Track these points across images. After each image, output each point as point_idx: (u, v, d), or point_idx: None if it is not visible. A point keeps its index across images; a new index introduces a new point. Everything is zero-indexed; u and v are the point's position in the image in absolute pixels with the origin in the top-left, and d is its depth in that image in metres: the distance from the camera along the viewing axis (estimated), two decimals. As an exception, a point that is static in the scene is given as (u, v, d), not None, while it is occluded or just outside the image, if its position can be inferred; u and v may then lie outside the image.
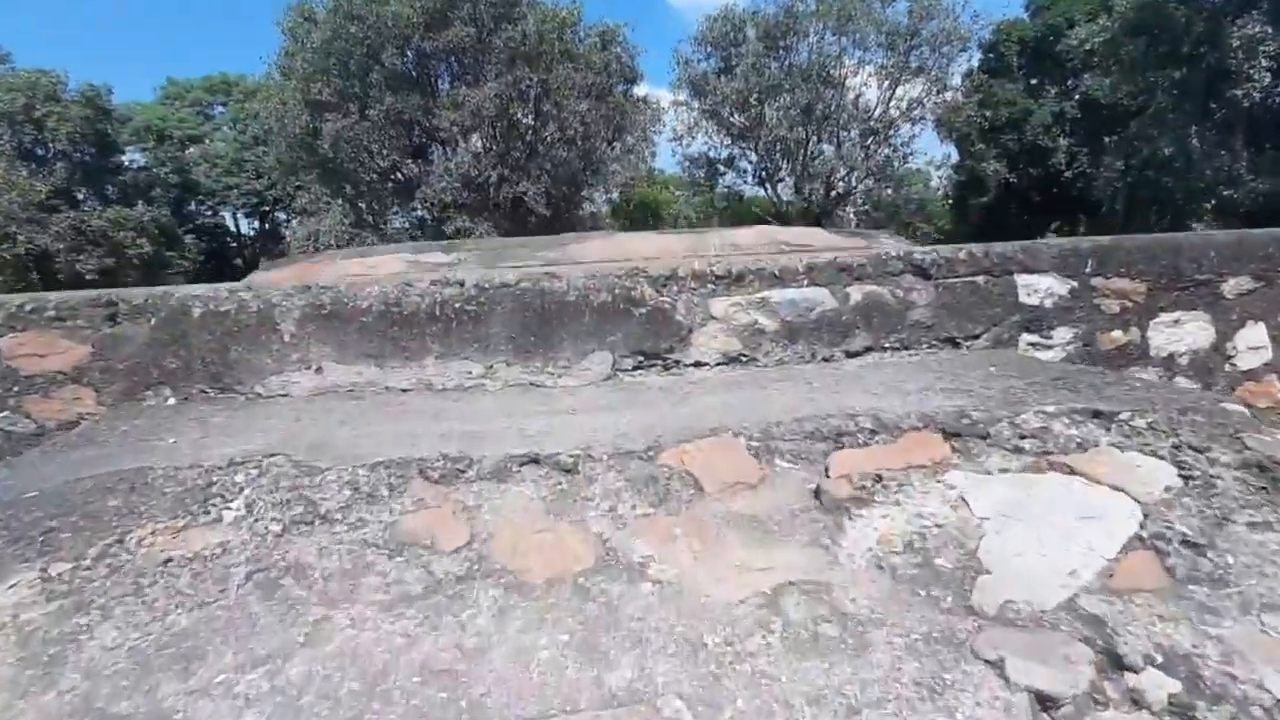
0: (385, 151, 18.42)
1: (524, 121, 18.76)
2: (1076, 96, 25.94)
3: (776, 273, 2.92)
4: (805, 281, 2.92)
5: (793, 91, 20.18)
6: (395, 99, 17.19)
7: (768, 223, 23.35)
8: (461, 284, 2.77)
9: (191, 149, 26.43)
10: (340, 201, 18.63)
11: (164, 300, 2.66)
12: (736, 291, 2.90)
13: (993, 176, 21.68)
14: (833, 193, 20.45)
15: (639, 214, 36.08)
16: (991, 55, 25.42)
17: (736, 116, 21.19)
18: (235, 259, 31.35)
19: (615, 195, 21.61)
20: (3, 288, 18.36)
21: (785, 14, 20.54)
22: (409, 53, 18.19)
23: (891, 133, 20.70)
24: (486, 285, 2.77)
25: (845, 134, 21.20)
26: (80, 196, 20.70)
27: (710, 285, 2.88)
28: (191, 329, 2.63)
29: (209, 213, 28.17)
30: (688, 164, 24.26)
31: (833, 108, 20.33)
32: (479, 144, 18.29)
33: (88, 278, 19.46)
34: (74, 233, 18.89)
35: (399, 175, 19.84)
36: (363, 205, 19.36)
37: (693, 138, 22.52)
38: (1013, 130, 24.66)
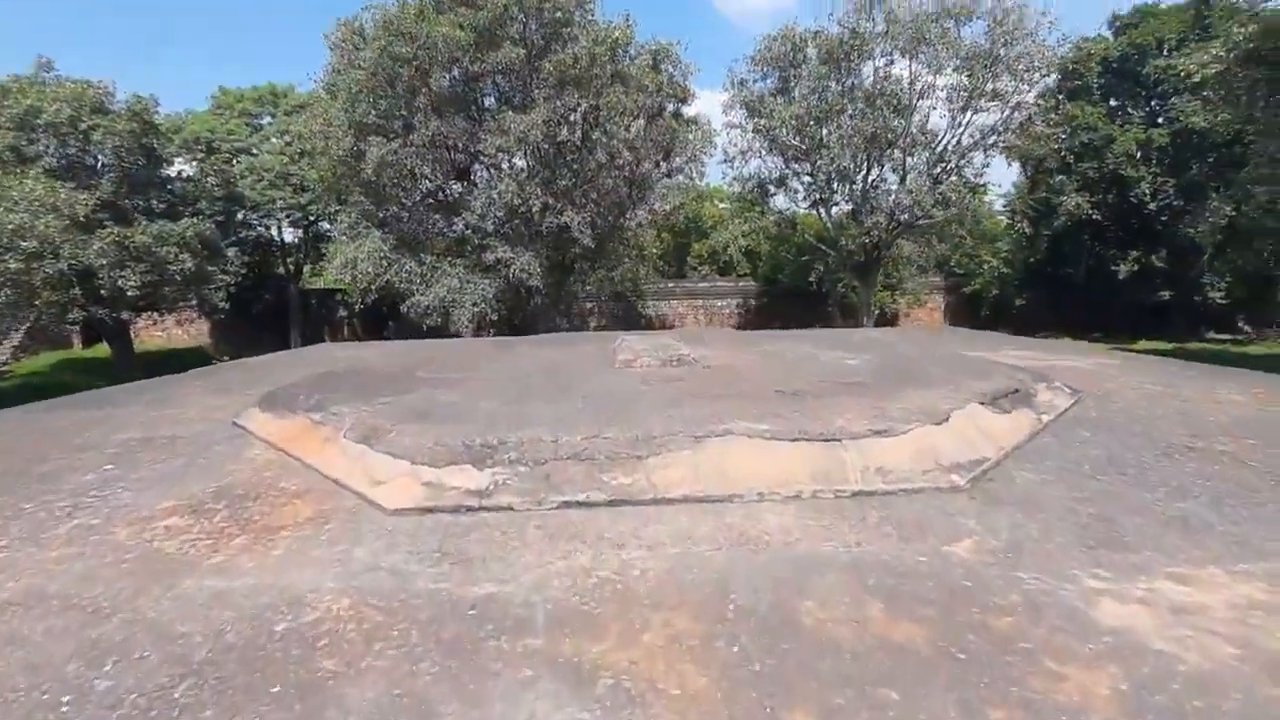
0: (429, 174, 17.82)
1: (571, 146, 17.96)
2: (1160, 122, 24.05)
3: None
4: None
5: (856, 116, 18.93)
6: (441, 123, 16.55)
7: (823, 250, 22.17)
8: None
9: (238, 161, 26.37)
10: (379, 228, 18.06)
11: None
12: None
13: (1073, 210, 20.04)
14: (895, 225, 19.12)
15: (682, 230, 35.07)
16: (1070, 76, 23.68)
17: (793, 139, 20.03)
18: (278, 268, 31.40)
19: (659, 218, 20.63)
20: (46, 304, 18.31)
21: (851, 35, 19.31)
22: (457, 74, 17.56)
23: (963, 162, 19.27)
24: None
25: (910, 160, 19.84)
26: (127, 210, 20.52)
27: None
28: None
29: (253, 225, 28.11)
30: (736, 184, 23.21)
31: (898, 134, 18.99)
32: (524, 169, 17.55)
33: (129, 294, 19.34)
34: (117, 248, 18.69)
35: (442, 196, 19.26)
36: (404, 228, 18.79)
37: (745, 161, 21.41)
38: (1093, 158, 22.91)
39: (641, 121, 18.71)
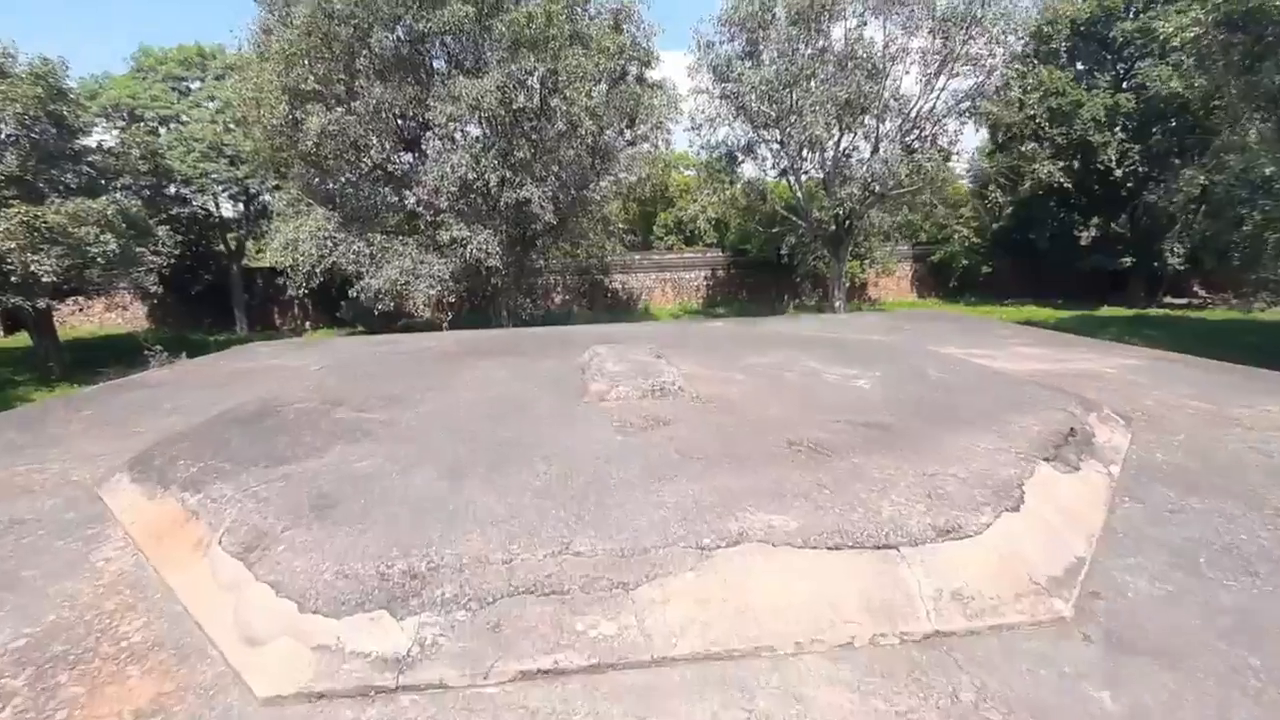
0: (375, 144, 16.44)
1: (529, 113, 16.76)
2: (1125, 87, 23.83)
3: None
4: None
5: (828, 81, 18.12)
6: (385, 89, 15.17)
7: (793, 220, 21.40)
8: None
9: (166, 131, 24.24)
10: (323, 205, 16.67)
11: None
12: None
13: (1044, 177, 19.72)
14: (868, 195, 18.50)
15: (648, 199, 33.99)
16: (1040, 39, 23.16)
17: (762, 105, 19.12)
18: (218, 246, 29.39)
19: (625, 190, 19.62)
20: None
21: (814, -10, 18.36)
22: (401, 33, 16.10)
23: (937, 129, 18.69)
24: None
25: (883, 128, 19.19)
26: (37, 187, 18.58)
27: None
28: None
29: (187, 200, 26.00)
30: (704, 152, 22.28)
31: (871, 99, 18.27)
32: (479, 140, 16.31)
33: (43, 279, 17.61)
34: (26, 230, 16.89)
35: (390, 168, 17.90)
36: (350, 204, 17.43)
37: (714, 129, 20.46)
38: (1061, 123, 22.59)
39: (603, 87, 17.58)
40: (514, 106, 16.13)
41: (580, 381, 4.23)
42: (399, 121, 16.67)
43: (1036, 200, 25.96)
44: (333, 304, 28.35)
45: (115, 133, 23.95)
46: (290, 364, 6.69)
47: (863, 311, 27.53)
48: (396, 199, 17.83)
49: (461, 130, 16.82)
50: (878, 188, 17.82)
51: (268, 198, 26.21)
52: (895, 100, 19.18)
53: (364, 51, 14.97)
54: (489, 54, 16.25)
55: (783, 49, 18.77)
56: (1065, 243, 27.37)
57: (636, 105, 18.62)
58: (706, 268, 31.10)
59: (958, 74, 18.02)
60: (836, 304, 22.29)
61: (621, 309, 29.95)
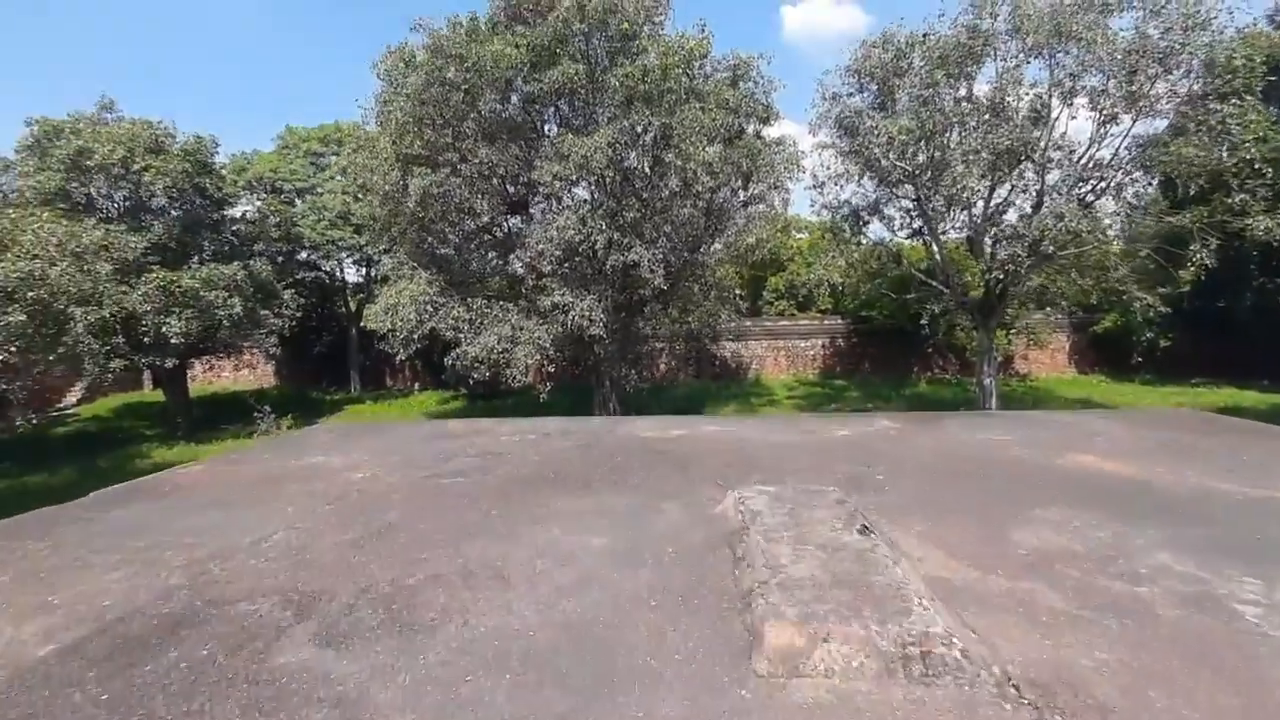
0: (482, 207, 15.88)
1: (640, 173, 15.68)
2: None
3: None
4: None
5: (979, 129, 15.81)
6: (491, 150, 14.61)
7: (931, 285, 18.59)
8: None
9: (301, 201, 25.69)
10: (427, 268, 16.20)
11: None
12: None
13: (1262, 234, 15.97)
14: (1032, 256, 15.63)
15: (759, 263, 32.29)
16: (1231, 75, 19.59)
17: (896, 159, 17.00)
18: (340, 308, 30.58)
19: (741, 253, 17.93)
20: (88, 350, 17.33)
21: (969, 34, 16.30)
22: (512, 97, 15.70)
23: (1126, 179, 15.70)
24: None
25: (1049, 179, 16.44)
26: (179, 253, 19.66)
27: None
28: None
29: (315, 265, 27.30)
30: (826, 212, 20.27)
31: (1032, 148, 15.70)
32: (586, 201, 15.34)
33: (173, 340, 18.26)
34: (162, 293, 17.65)
35: (496, 232, 17.34)
36: (453, 268, 16.92)
37: (841, 186, 18.52)
38: (1268, 172, 18.65)
39: (719, 146, 16.28)
40: (624, 165, 15.11)
41: (730, 581, 2.30)
42: (505, 184, 16.09)
43: (1233, 261, 21.63)
44: (438, 366, 28.50)
45: (258, 204, 25.65)
46: (332, 464, 5.29)
47: (1035, 400, 23.81)
48: (500, 262, 17.16)
49: (569, 191, 15.98)
50: (1051, 248, 14.95)
51: (386, 261, 27.04)
52: (1059, 148, 16.45)
53: (472, 115, 14.54)
54: (599, 112, 15.44)
55: (922, 97, 16.72)
56: (1269, 311, 22.62)
57: (754, 162, 17.15)
58: (824, 335, 28.56)
59: (1145, 115, 15.09)
60: (985, 380, 19.10)
61: (730, 377, 27.91)
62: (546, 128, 16.94)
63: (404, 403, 26.64)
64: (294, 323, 23.44)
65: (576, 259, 14.96)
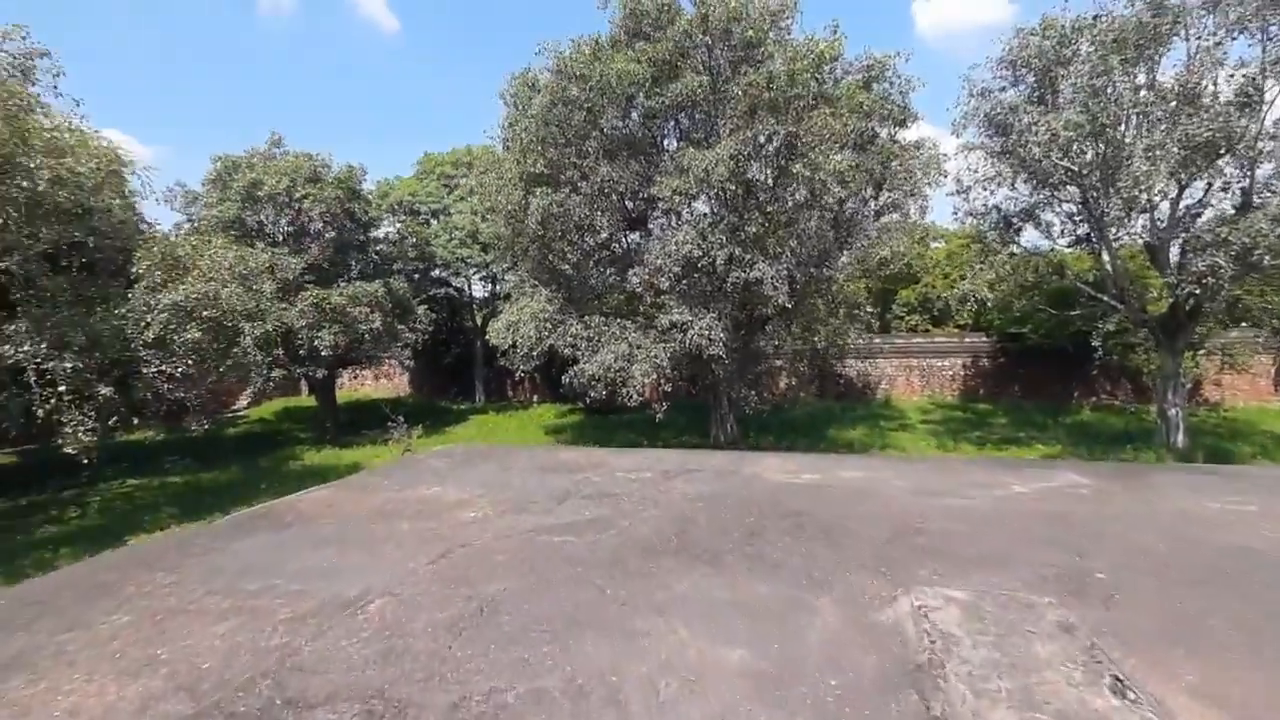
0: (599, 224, 15.84)
1: (763, 185, 14.94)
2: None
3: None
4: None
5: (1168, 119, 13.59)
6: (611, 167, 14.50)
7: (1101, 300, 16.04)
8: None
9: (434, 222, 27.30)
10: (547, 286, 16.40)
11: None
12: None
13: None
14: (1238, 267, 13.06)
15: (891, 278, 30.21)
16: None
17: (1059, 157, 15.00)
18: (468, 323, 32.14)
19: (873, 266, 16.58)
20: (254, 362, 19.16)
21: (1152, 11, 14.11)
22: (633, 113, 15.56)
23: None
24: None
25: (1259, 174, 13.81)
26: (330, 273, 21.42)
27: None
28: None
29: (446, 282, 28.90)
30: (971, 220, 18.33)
31: (1240, 138, 13.23)
32: (706, 216, 14.82)
33: (323, 352, 19.86)
34: (315, 310, 19.27)
35: (614, 249, 17.26)
36: (574, 285, 17.03)
37: (991, 190, 16.69)
38: None
39: (849, 152, 15.18)
40: (746, 177, 14.44)
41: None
42: (624, 200, 15.94)
43: None
44: (556, 380, 29.12)
45: (398, 225, 27.57)
46: (445, 498, 5.11)
47: (1232, 433, 20.37)
48: (619, 279, 17.05)
49: (688, 206, 15.55)
50: (1266, 257, 12.38)
51: (510, 278, 28.10)
52: (1275, 138, 13.76)
53: (594, 133, 14.52)
54: (720, 123, 14.90)
55: (1092, 87, 14.64)
56: None
57: (888, 168, 15.86)
58: (965, 354, 26.03)
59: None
60: (1170, 410, 16.37)
61: (856, 398, 26.14)
62: (666, 142, 16.65)
63: (524, 415, 27.35)
64: (426, 336, 24.80)
65: (695, 275, 14.46)
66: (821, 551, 3.46)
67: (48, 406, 10.86)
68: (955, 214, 18.05)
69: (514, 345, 15.71)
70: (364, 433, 23.44)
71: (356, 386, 34.14)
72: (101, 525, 12.77)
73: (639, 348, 14.68)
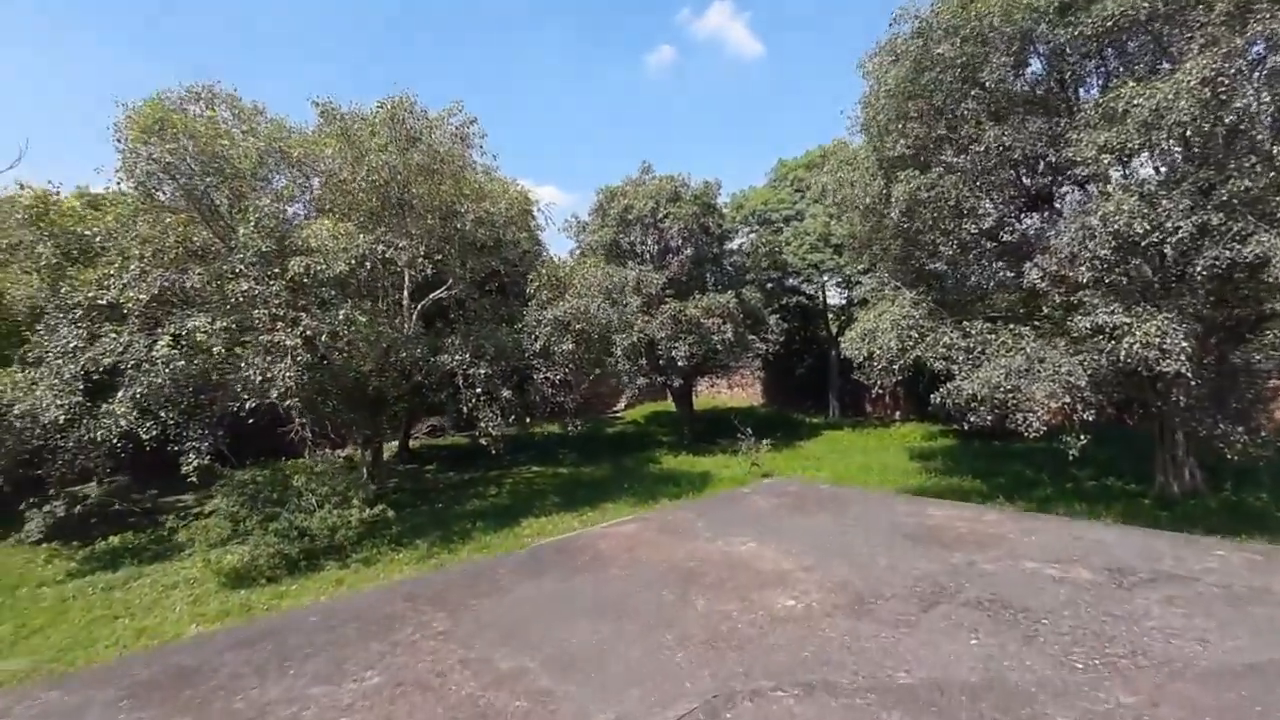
0: (983, 207, 12.72)
1: (1261, 120, 9.89)
2: None
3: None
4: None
5: None
6: (1002, 131, 11.39)
7: None
8: None
9: (786, 229, 26.62)
10: (912, 287, 13.89)
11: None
12: None
13: None
14: None
15: None
16: None
17: None
18: (821, 330, 30.64)
19: None
20: (623, 370, 21.07)
21: None
22: (1031, 60, 12.09)
23: None
24: None
25: None
26: (689, 287, 22.46)
27: None
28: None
29: (798, 290, 27.96)
30: None
31: None
32: (1151, 177, 10.48)
33: (679, 362, 20.84)
34: (673, 322, 20.34)
35: (1003, 236, 13.75)
36: (947, 285, 14.14)
37: None
38: None
39: None
40: (1229, 109, 9.70)
41: None
42: (1019, 172, 12.47)
43: None
44: (924, 396, 25.39)
45: (750, 236, 27.75)
46: (761, 559, 3.80)
47: None
48: (1010, 274, 13.51)
49: (1121, 168, 11.32)
50: None
51: (866, 282, 25.64)
52: None
53: (972, 93, 11.61)
54: (1180, 43, 10.39)
55: None
56: None
57: None
58: None
59: None
60: None
61: None
62: (1083, 90, 12.54)
63: (883, 434, 24.53)
64: (778, 346, 24.21)
65: (1134, 261, 10.30)
66: None
67: (470, 405, 13.28)
68: None
69: (870, 357, 13.66)
70: (716, 441, 23.96)
71: (714, 394, 35.74)
72: (508, 505, 15.17)
73: (1041, 360, 11.13)
